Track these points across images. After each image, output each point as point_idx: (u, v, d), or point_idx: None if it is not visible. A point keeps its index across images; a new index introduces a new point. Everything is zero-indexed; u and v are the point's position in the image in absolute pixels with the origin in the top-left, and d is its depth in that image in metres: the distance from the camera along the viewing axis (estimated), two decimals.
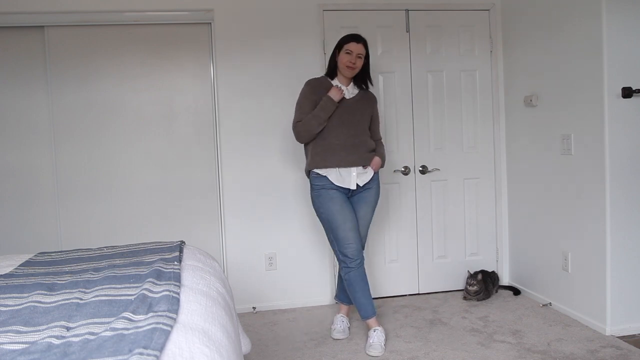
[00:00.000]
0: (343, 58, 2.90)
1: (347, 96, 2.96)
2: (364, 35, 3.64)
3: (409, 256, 3.79)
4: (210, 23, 3.49)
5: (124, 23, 3.41)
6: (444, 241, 3.84)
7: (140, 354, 1.13)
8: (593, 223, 2.97)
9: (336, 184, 2.89)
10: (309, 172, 2.97)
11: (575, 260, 3.14)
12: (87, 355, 1.15)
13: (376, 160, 2.98)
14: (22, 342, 1.25)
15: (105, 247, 2.37)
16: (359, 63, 2.91)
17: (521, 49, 3.58)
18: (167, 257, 2.03)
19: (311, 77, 3.06)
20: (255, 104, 3.54)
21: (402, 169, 3.72)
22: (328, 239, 2.99)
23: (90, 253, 2.24)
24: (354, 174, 2.91)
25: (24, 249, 3.35)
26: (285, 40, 3.55)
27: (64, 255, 2.22)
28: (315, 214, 3.01)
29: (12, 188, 3.39)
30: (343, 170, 2.90)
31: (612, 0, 2.80)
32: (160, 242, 2.38)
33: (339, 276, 3.17)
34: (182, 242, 2.33)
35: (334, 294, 3.38)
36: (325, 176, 2.90)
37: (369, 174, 2.95)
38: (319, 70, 3.57)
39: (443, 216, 3.82)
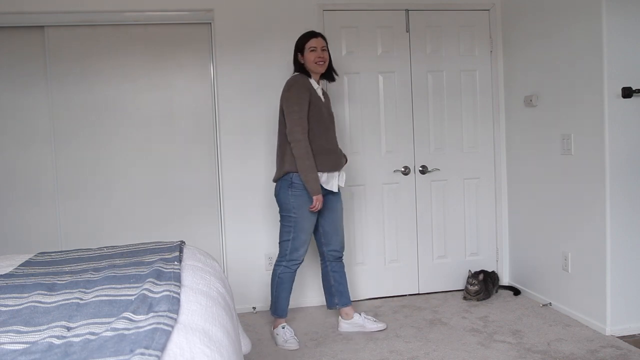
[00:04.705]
0: (310, 57, 2.94)
1: (323, 99, 3.02)
2: (363, 35, 3.66)
3: (409, 256, 3.78)
4: (210, 23, 3.49)
5: (124, 23, 3.41)
6: (444, 241, 3.84)
7: (142, 354, 1.13)
8: (593, 223, 2.97)
9: (323, 186, 2.94)
10: (286, 173, 2.91)
11: (575, 261, 3.14)
12: (89, 355, 1.15)
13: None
14: (23, 342, 1.25)
15: (105, 247, 2.37)
16: (326, 55, 2.98)
17: (521, 49, 3.58)
18: (167, 257, 2.03)
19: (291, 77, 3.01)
20: (256, 104, 3.54)
21: (402, 169, 3.72)
22: (282, 233, 3.00)
23: (90, 253, 2.24)
24: (337, 177, 3.01)
25: (24, 249, 3.35)
26: (286, 40, 3.54)
27: (64, 255, 2.22)
28: (279, 210, 3.02)
29: (12, 188, 3.39)
30: (329, 174, 2.96)
31: (612, 1, 2.80)
32: (160, 242, 2.38)
33: (326, 282, 3.19)
34: (182, 242, 2.33)
35: (334, 303, 3.21)
36: None
37: (343, 175, 3.08)
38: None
39: (443, 216, 3.82)
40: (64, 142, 3.42)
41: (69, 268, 1.99)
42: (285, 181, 2.92)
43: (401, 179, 3.74)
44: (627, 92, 2.75)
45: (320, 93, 2.99)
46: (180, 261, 2.01)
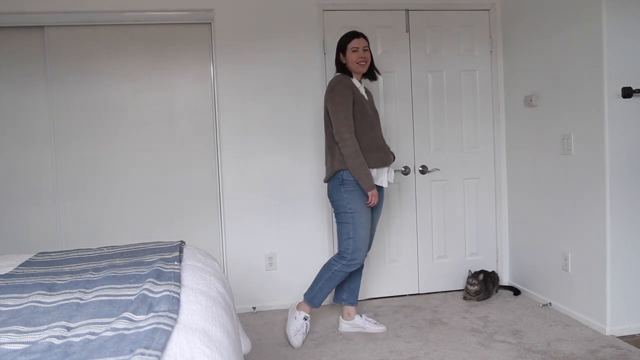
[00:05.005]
0: (352, 57, 2.96)
1: (366, 97, 3.03)
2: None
3: (409, 256, 3.78)
4: (210, 23, 3.49)
5: (124, 23, 3.41)
6: (444, 241, 3.84)
7: (142, 354, 1.13)
8: (593, 223, 2.97)
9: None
10: (337, 171, 2.91)
11: (575, 260, 3.14)
12: (89, 355, 1.15)
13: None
14: (23, 342, 1.25)
15: (105, 247, 2.37)
16: (368, 55, 2.99)
17: (521, 49, 3.58)
18: (167, 257, 2.03)
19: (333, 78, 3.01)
20: (256, 104, 3.54)
21: (402, 169, 3.72)
22: (341, 233, 2.96)
23: (90, 253, 2.24)
24: (386, 173, 3.01)
25: (24, 249, 3.35)
26: (286, 40, 3.55)
27: (64, 255, 2.22)
28: (334, 209, 2.99)
29: (12, 188, 3.39)
30: (378, 170, 2.96)
31: (612, 1, 2.80)
32: (160, 242, 2.38)
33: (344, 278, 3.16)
34: (182, 242, 2.33)
35: (341, 298, 3.20)
36: None
37: (392, 171, 3.07)
38: (319, 70, 3.58)
39: (443, 216, 3.82)
40: (64, 142, 3.42)
41: (69, 268, 1.99)
42: (336, 179, 2.93)
43: (401, 179, 3.74)
44: (627, 92, 2.75)
45: (363, 91, 3.00)
46: (180, 261, 2.01)
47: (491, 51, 3.80)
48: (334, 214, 3.05)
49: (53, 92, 3.38)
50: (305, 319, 2.99)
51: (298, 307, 3.04)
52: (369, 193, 2.87)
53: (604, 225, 2.88)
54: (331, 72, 3.58)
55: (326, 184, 3.06)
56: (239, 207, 3.56)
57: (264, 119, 3.55)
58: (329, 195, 3.01)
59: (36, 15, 3.30)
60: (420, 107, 3.74)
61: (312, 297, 3.01)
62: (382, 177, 2.99)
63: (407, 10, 3.68)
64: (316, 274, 3.08)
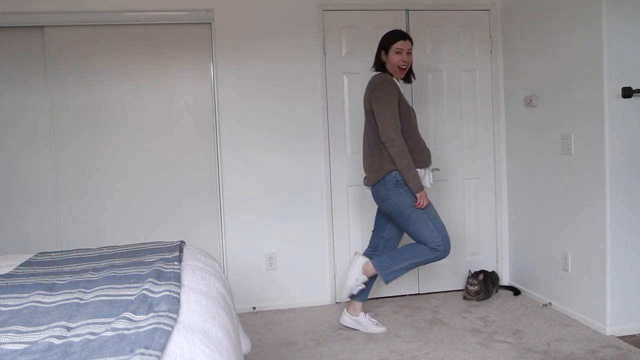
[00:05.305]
0: (394, 58, 2.91)
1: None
2: (363, 35, 3.65)
3: None
4: (210, 23, 3.49)
5: (124, 23, 3.41)
6: None
7: (142, 354, 1.13)
8: (593, 223, 2.97)
9: None
10: (389, 172, 2.85)
11: (575, 260, 3.14)
12: (89, 355, 1.15)
13: None
14: (23, 342, 1.25)
15: (105, 247, 2.37)
16: (410, 59, 2.95)
17: (521, 49, 3.58)
18: (167, 257, 2.03)
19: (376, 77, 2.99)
20: (256, 104, 3.54)
21: None
22: (420, 232, 2.88)
23: (90, 253, 2.24)
24: (429, 173, 3.00)
25: (24, 249, 3.35)
26: (286, 40, 3.55)
27: (64, 255, 2.22)
28: (397, 213, 2.91)
29: (12, 188, 3.39)
30: (424, 171, 2.96)
31: (612, 1, 2.80)
32: (160, 242, 2.38)
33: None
34: (182, 242, 2.33)
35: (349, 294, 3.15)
36: None
37: (431, 172, 3.07)
38: (319, 70, 3.58)
39: (443, 216, 3.80)
40: (64, 142, 3.42)
41: (69, 268, 1.99)
42: (389, 182, 2.85)
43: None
44: (627, 92, 2.75)
45: (402, 91, 2.98)
46: (180, 261, 2.01)
47: (491, 51, 3.80)
48: (398, 218, 2.92)
49: (53, 92, 3.38)
50: (365, 283, 3.00)
51: (365, 269, 2.96)
52: (418, 195, 2.80)
53: (604, 225, 2.88)
54: (331, 72, 3.59)
55: (369, 187, 3.00)
56: (239, 207, 3.56)
57: (264, 119, 3.55)
58: (384, 201, 2.91)
59: (36, 15, 3.30)
60: (420, 107, 3.74)
61: (389, 273, 2.90)
62: (426, 177, 2.97)
63: (407, 10, 3.69)
64: (393, 251, 2.99)
